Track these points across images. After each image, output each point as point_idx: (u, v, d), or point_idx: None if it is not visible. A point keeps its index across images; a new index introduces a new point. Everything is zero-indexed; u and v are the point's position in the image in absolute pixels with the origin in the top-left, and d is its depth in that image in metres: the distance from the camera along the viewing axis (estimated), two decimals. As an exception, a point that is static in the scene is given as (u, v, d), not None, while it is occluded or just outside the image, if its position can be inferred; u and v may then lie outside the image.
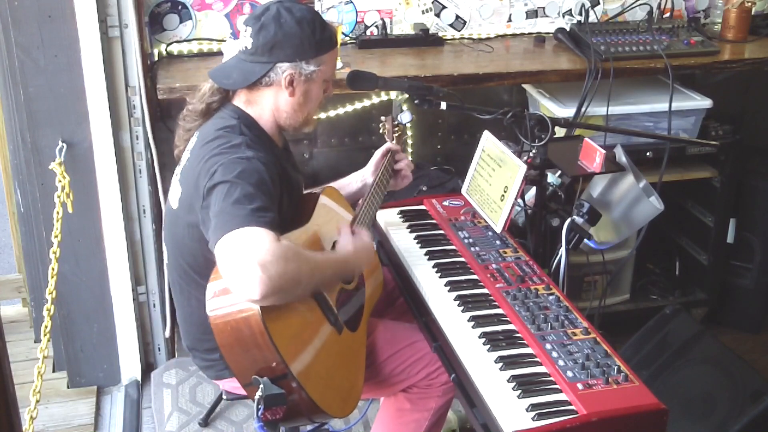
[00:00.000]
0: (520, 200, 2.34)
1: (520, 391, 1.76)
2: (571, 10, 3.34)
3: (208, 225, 1.83)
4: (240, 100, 2.08)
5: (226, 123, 2.02)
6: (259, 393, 1.75)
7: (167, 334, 3.09)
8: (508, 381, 1.80)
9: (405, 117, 2.43)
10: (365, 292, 2.17)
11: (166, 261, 2.15)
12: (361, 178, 2.40)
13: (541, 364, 1.84)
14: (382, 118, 2.49)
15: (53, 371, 3.10)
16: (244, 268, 1.70)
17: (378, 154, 2.40)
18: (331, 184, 2.33)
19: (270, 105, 2.06)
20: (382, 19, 3.20)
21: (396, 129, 2.47)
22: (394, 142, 2.45)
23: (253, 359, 1.79)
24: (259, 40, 1.99)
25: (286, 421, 1.84)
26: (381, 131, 2.50)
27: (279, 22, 1.98)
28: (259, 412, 1.75)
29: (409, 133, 3.38)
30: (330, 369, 1.92)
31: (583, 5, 3.30)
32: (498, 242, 2.29)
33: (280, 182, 1.94)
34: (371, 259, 2.13)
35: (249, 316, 1.76)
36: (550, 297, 2.05)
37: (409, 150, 3.41)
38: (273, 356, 1.76)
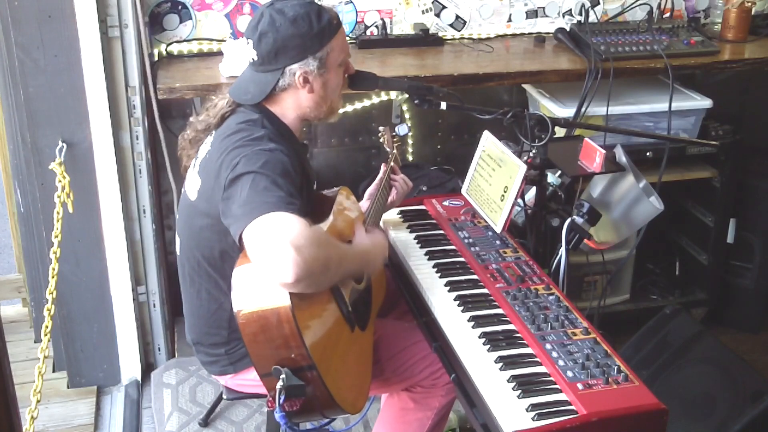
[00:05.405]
0: (520, 200, 2.34)
1: (520, 391, 1.76)
2: (571, 10, 3.34)
3: (232, 214, 1.82)
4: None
5: (248, 117, 2.02)
6: (280, 383, 1.75)
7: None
8: (508, 381, 1.80)
9: (402, 129, 2.48)
10: (372, 292, 2.18)
11: (178, 252, 2.14)
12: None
13: (541, 364, 1.84)
14: (380, 128, 2.51)
15: (53, 371, 3.10)
16: (279, 250, 1.68)
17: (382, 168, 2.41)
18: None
19: (291, 105, 2.06)
20: (382, 19, 3.20)
21: (395, 139, 2.50)
22: (395, 150, 2.47)
23: (277, 348, 1.77)
24: (261, 50, 1.99)
25: (300, 414, 1.83)
26: (381, 140, 2.52)
27: (275, 27, 1.97)
28: (281, 401, 1.74)
29: (410, 141, 3.40)
30: (345, 364, 1.93)
31: (583, 5, 3.30)
32: (498, 242, 2.29)
33: (300, 176, 1.95)
34: (386, 257, 2.13)
35: (278, 304, 1.75)
36: (550, 297, 2.05)
37: (410, 150, 3.42)
38: (298, 347, 1.75)
